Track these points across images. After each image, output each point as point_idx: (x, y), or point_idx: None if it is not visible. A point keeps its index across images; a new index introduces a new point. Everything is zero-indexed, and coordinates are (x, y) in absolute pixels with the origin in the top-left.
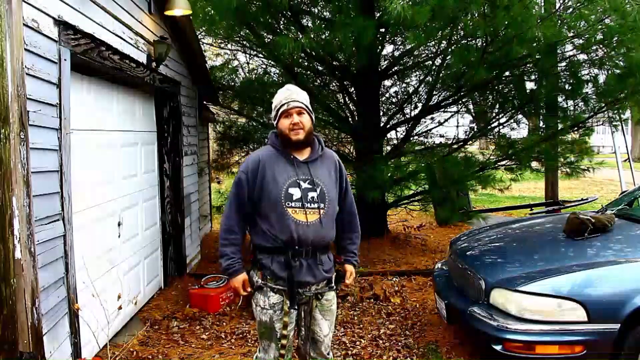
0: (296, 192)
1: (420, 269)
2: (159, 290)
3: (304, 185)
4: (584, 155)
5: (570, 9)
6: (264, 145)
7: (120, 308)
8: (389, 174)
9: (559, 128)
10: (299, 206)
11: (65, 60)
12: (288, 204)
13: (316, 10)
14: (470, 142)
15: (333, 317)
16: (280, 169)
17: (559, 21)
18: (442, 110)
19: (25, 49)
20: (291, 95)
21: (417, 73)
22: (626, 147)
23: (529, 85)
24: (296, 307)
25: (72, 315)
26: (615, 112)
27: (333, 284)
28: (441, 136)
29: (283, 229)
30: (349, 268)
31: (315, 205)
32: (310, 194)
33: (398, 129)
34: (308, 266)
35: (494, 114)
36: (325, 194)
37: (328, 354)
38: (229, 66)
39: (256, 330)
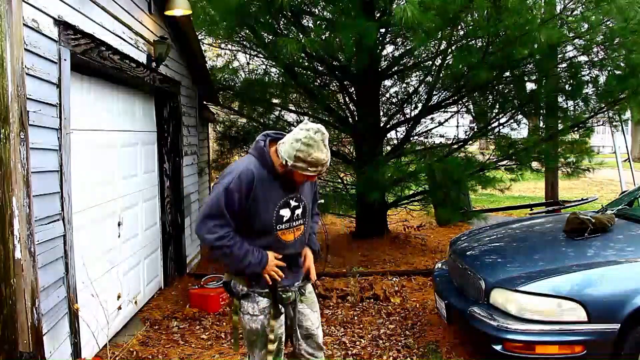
0: (286, 213)
1: (420, 269)
2: (159, 290)
3: (293, 203)
4: (584, 155)
5: (572, 11)
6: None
7: (120, 308)
8: (389, 174)
9: (559, 128)
10: (287, 227)
11: (65, 60)
12: (279, 227)
13: (316, 11)
14: (470, 142)
15: (317, 307)
16: (273, 192)
17: (559, 22)
18: (442, 110)
19: (25, 49)
20: (325, 161)
21: (417, 73)
22: (626, 147)
23: (530, 86)
24: (283, 312)
25: (72, 315)
26: (616, 112)
27: (309, 275)
28: (441, 136)
29: (272, 249)
30: (307, 252)
31: (300, 222)
32: (297, 211)
33: (398, 129)
34: (290, 271)
35: (494, 114)
36: (307, 208)
37: (323, 343)
38: (230, 67)
39: (244, 339)
